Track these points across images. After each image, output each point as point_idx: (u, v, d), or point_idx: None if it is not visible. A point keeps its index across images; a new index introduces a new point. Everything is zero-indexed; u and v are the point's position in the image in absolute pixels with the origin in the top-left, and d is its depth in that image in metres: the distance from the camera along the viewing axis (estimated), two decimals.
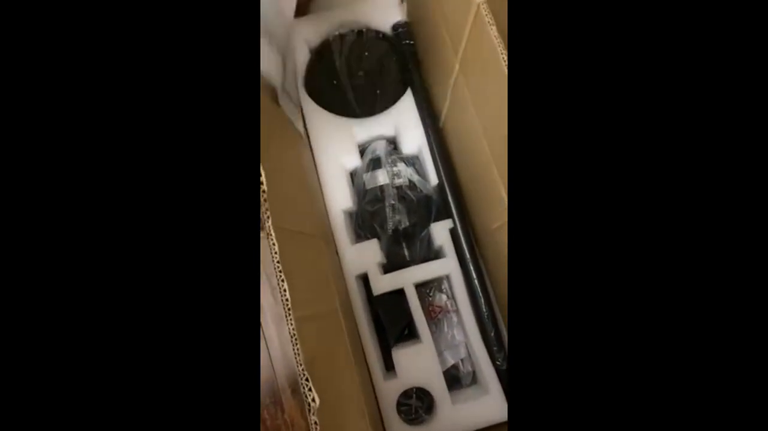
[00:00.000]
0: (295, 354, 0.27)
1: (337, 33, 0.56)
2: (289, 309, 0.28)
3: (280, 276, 0.28)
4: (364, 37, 0.57)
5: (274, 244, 0.29)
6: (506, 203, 0.39)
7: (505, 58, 0.32)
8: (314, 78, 0.56)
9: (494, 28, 0.33)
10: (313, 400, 0.26)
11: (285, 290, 0.28)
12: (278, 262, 0.28)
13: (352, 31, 0.57)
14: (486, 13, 0.34)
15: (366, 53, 0.56)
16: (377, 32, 0.56)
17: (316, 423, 0.26)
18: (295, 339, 0.28)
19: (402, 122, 0.53)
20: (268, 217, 0.29)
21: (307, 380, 0.27)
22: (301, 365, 0.27)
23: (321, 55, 0.56)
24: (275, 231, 0.29)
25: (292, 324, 0.28)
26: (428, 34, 0.52)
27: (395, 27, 0.55)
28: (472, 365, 0.50)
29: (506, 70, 0.32)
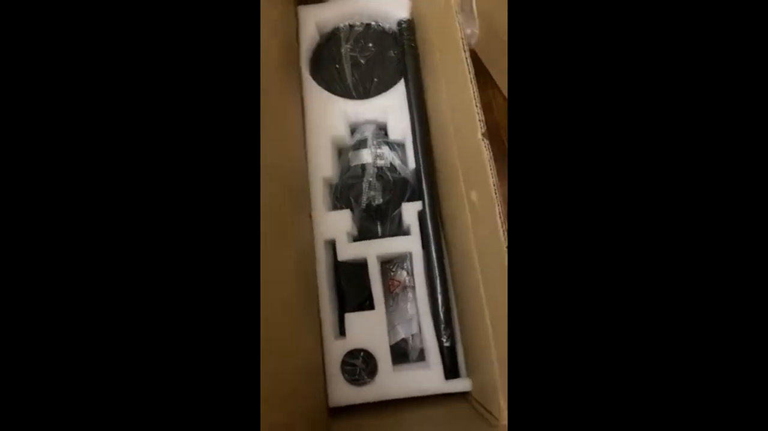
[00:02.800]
0: None
1: (347, 23, 0.62)
2: None
3: None
4: (371, 29, 0.62)
5: None
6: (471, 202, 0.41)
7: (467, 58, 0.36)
8: (319, 60, 0.61)
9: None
10: None
11: None
12: None
13: (361, 23, 0.62)
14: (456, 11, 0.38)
15: (370, 44, 0.61)
16: (383, 27, 0.62)
17: None
18: None
19: (392, 108, 0.57)
20: None
21: None
22: None
23: (329, 40, 0.62)
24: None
25: None
26: (422, 32, 0.57)
27: (399, 23, 0.60)
28: (422, 342, 0.53)
29: (468, 74, 0.36)
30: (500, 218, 0.33)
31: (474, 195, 0.39)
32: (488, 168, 0.34)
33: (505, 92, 0.72)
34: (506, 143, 0.73)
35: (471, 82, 0.36)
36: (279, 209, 0.43)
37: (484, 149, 0.34)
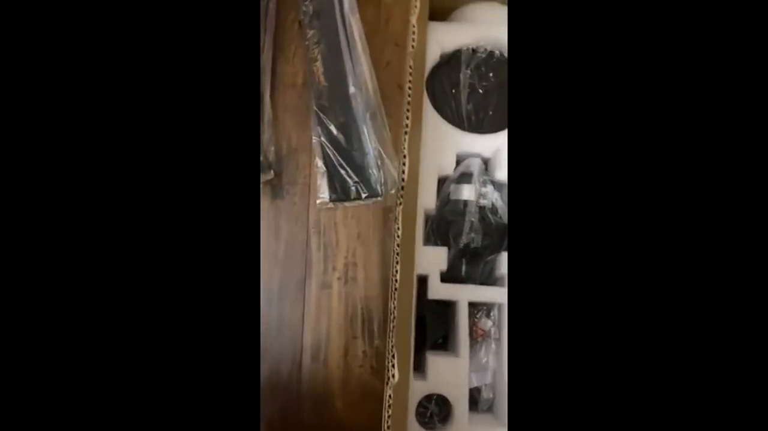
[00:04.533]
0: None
1: (470, 48, 0.59)
2: None
3: None
4: (494, 58, 0.59)
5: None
6: None
7: None
8: (435, 81, 0.58)
9: None
10: (393, 376, 0.28)
11: None
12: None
13: (486, 49, 0.59)
14: None
15: (491, 74, 0.58)
16: (507, 58, 0.58)
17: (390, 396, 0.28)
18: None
19: (504, 147, 0.55)
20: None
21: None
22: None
23: (449, 61, 0.59)
24: None
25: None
26: None
27: None
28: (494, 393, 0.52)
29: None
30: None
31: None
32: None
33: None
34: None
35: None
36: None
37: None
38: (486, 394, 0.52)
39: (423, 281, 0.52)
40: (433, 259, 0.52)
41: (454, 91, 0.58)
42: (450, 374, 0.49)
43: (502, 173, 0.56)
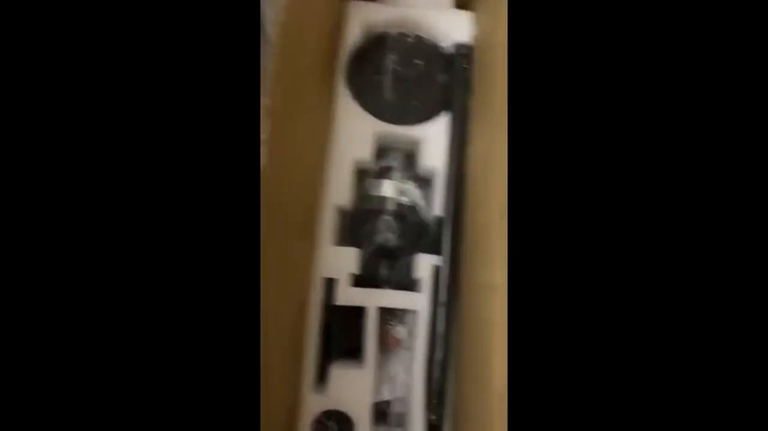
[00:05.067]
0: None
1: (398, 30, 0.54)
2: None
3: None
4: (423, 44, 0.54)
5: None
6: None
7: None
8: (357, 66, 0.53)
9: None
10: None
11: None
12: None
13: (414, 35, 0.54)
14: None
15: (418, 61, 0.54)
16: (438, 46, 0.54)
17: None
18: None
19: (428, 142, 0.51)
20: None
21: None
22: None
23: (373, 45, 0.54)
24: None
25: None
26: (481, 64, 0.50)
27: (458, 47, 0.52)
28: (405, 408, 0.48)
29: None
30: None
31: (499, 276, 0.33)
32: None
33: None
34: None
35: None
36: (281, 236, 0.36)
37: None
38: (396, 408, 0.48)
39: (331, 285, 0.47)
40: (343, 261, 0.47)
41: (377, 77, 0.53)
42: (353, 387, 0.45)
43: (425, 170, 0.51)
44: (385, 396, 0.48)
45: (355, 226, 0.49)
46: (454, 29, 0.53)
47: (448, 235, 0.48)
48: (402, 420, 0.48)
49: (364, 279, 0.49)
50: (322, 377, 0.46)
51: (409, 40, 0.54)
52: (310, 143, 0.47)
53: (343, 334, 0.48)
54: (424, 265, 0.48)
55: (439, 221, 0.49)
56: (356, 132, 0.50)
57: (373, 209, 0.49)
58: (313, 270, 0.47)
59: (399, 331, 0.49)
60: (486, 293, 0.40)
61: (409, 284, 0.49)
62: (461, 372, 0.46)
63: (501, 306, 0.35)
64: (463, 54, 0.52)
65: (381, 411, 0.48)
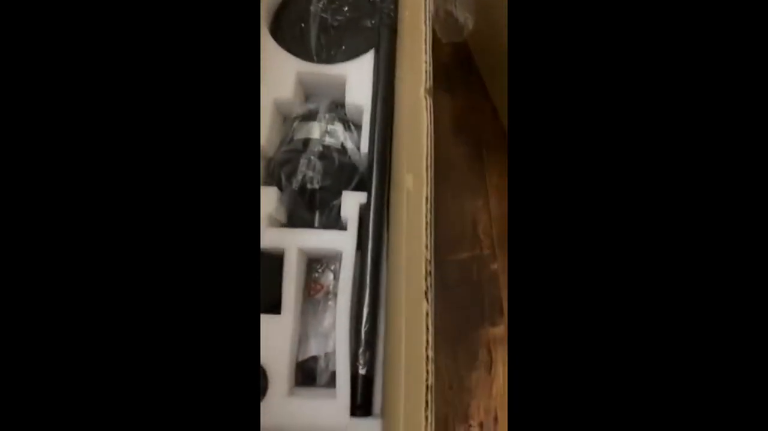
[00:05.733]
0: None
1: None
2: None
3: None
4: None
5: None
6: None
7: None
8: (282, 16, 0.52)
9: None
10: None
11: None
12: None
13: None
14: None
15: (345, 8, 0.53)
16: None
17: None
18: None
19: (354, 79, 0.48)
20: None
21: None
22: None
23: None
24: None
25: None
26: (404, 4, 0.48)
27: None
28: (335, 364, 0.42)
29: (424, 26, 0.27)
30: (427, 205, 0.23)
31: (410, 180, 0.29)
32: (425, 136, 0.24)
33: (494, 98, 0.64)
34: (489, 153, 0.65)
35: (425, 26, 0.27)
36: None
37: (425, 110, 0.25)
38: (324, 364, 0.42)
39: None
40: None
41: (303, 25, 0.52)
42: (267, 336, 0.40)
43: (354, 113, 0.49)
44: (312, 351, 0.43)
45: (275, 168, 0.46)
46: None
47: (376, 172, 0.45)
48: (333, 378, 0.42)
49: (291, 224, 0.45)
50: None
51: None
52: None
53: (267, 285, 0.44)
54: (350, 203, 0.44)
55: (368, 159, 0.46)
56: (277, 70, 0.48)
57: (296, 149, 0.46)
58: None
59: (326, 278, 0.45)
60: (399, 216, 0.36)
61: (334, 226, 0.45)
62: (389, 315, 0.40)
63: (408, 231, 0.31)
64: None
65: (309, 370, 0.43)
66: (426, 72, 0.25)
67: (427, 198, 0.22)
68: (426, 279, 0.20)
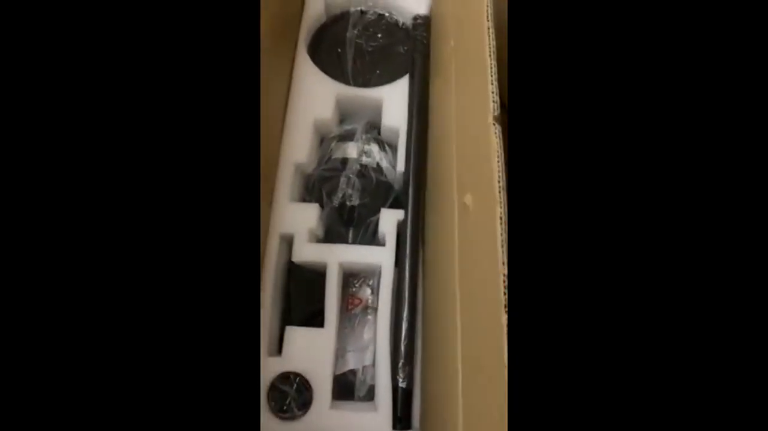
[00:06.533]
0: None
1: (359, 8, 0.56)
2: None
3: None
4: (383, 20, 0.56)
5: None
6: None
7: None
8: (321, 41, 0.55)
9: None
10: None
11: None
12: None
13: (374, 12, 0.56)
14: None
15: (379, 35, 0.55)
16: (396, 20, 0.56)
17: None
18: None
19: (390, 103, 0.51)
20: None
21: None
22: None
23: (335, 22, 0.56)
24: None
25: None
26: (438, 31, 0.51)
27: (415, 18, 0.54)
28: (374, 378, 0.43)
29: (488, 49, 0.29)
30: (501, 225, 0.24)
31: (468, 199, 0.31)
32: (495, 161, 0.26)
33: None
34: None
35: (490, 55, 0.29)
36: None
37: (494, 137, 0.26)
38: (363, 377, 0.43)
39: (291, 243, 0.45)
40: (300, 217, 0.45)
41: (340, 50, 0.54)
42: (310, 349, 0.41)
43: (390, 133, 0.51)
44: (351, 364, 0.44)
45: (316, 185, 0.48)
46: (413, 4, 0.55)
47: (412, 191, 0.47)
48: (371, 390, 0.43)
49: (327, 240, 0.47)
50: (280, 343, 0.42)
51: (370, 16, 0.56)
52: (265, 104, 0.47)
53: (304, 298, 0.45)
54: (389, 220, 0.46)
55: (405, 178, 0.48)
56: (317, 92, 0.50)
57: (335, 168, 0.48)
58: (270, 228, 0.45)
59: (364, 292, 0.46)
60: (449, 233, 0.37)
61: (370, 242, 0.47)
62: (428, 330, 0.42)
63: (461, 246, 0.32)
64: (421, 24, 0.53)
65: (347, 383, 0.44)
66: (493, 102, 0.27)
67: (501, 218, 0.24)
68: (504, 294, 0.22)
